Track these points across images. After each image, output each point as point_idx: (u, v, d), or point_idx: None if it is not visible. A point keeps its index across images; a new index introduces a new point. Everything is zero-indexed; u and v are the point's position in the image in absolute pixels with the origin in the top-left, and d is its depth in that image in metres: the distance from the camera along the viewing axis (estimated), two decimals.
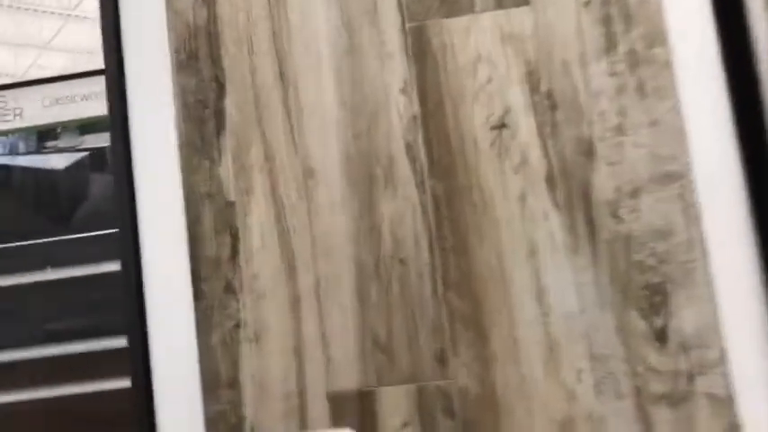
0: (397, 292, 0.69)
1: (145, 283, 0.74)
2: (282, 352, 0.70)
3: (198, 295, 0.72)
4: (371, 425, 0.68)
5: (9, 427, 1.39)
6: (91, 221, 1.41)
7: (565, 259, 0.68)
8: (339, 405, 0.69)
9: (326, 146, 0.72)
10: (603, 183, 0.68)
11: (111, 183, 1.43)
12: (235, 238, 0.72)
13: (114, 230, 1.40)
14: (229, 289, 0.71)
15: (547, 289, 0.67)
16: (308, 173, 0.72)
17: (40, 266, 1.40)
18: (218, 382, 0.70)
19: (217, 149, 0.74)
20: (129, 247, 0.77)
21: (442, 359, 0.68)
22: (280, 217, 0.72)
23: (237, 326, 0.71)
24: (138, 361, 0.73)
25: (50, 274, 1.39)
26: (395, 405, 0.68)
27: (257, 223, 0.72)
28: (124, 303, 0.75)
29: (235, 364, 0.70)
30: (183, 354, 0.72)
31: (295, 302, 0.71)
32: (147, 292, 0.74)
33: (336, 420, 0.68)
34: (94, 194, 1.39)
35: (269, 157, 0.73)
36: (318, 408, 0.69)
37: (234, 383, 0.70)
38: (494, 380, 0.67)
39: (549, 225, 0.68)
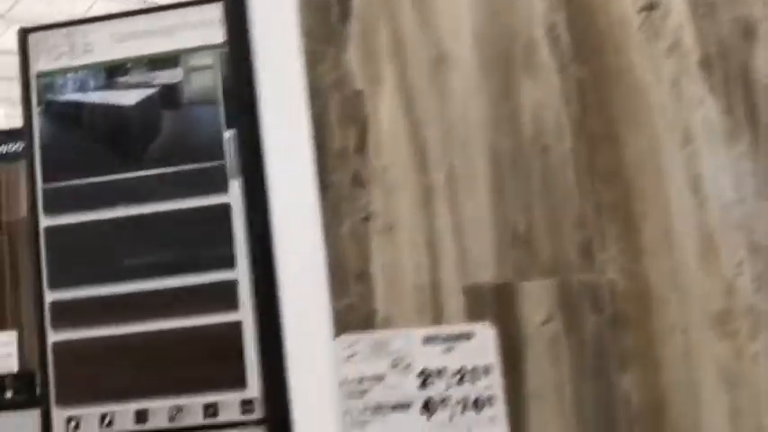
0: (538, 181, 0.66)
1: (269, 181, 0.71)
2: (415, 245, 0.67)
3: (324, 187, 0.69)
4: (511, 320, 0.64)
5: (105, 361, 1.37)
6: (162, 158, 1.39)
7: (722, 146, 0.63)
8: (476, 299, 0.65)
9: (459, 28, 0.68)
10: (765, 66, 0.63)
11: (182, 119, 1.40)
12: (362, 128, 0.69)
13: (190, 166, 1.38)
14: (357, 181, 0.68)
15: (702, 177, 0.63)
16: (440, 58, 0.69)
17: (112, 203, 1.38)
18: (347, 276, 0.67)
19: (342, 36, 0.71)
20: (249, 146, 0.73)
21: (587, 252, 0.64)
22: (410, 105, 0.68)
23: (367, 218, 0.68)
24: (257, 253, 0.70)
25: (122, 211, 1.37)
26: (536, 300, 0.64)
27: (386, 112, 0.69)
28: (250, 201, 0.72)
29: (365, 257, 0.67)
30: (309, 247, 0.69)
31: (427, 194, 0.67)
32: (270, 188, 0.71)
33: (473, 315, 0.65)
34: (166, 131, 1.37)
35: (397, 43, 0.69)
36: (454, 302, 0.65)
37: (364, 277, 0.67)
38: (645, 272, 0.63)
39: (705, 111, 0.64)
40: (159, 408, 1.35)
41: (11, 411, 2.00)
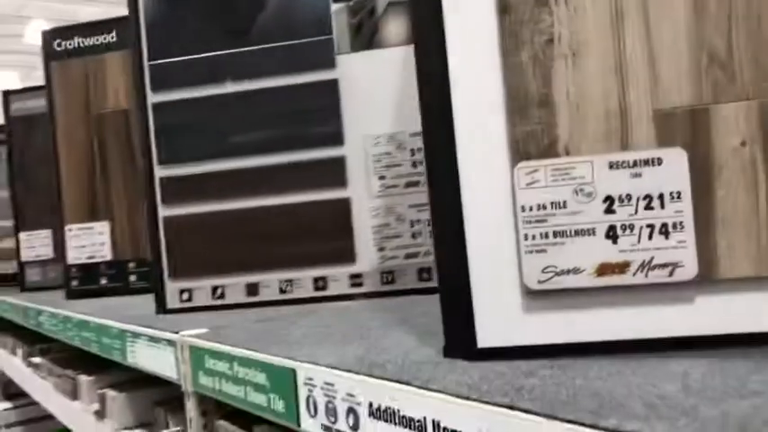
0: (740, 1, 0.62)
1: (442, 5, 0.69)
2: (602, 69, 0.64)
3: (504, 8, 0.66)
4: (704, 144, 0.62)
5: (214, 235, 1.40)
6: (268, 32, 1.37)
7: None
8: (667, 124, 0.63)
9: None
10: None
11: None
12: None
13: (297, 41, 1.35)
14: (541, 1, 0.65)
15: None
16: None
17: (219, 79, 1.38)
18: (528, 101, 0.65)
19: None
20: None
21: None
22: None
23: (551, 41, 0.65)
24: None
25: (229, 87, 1.36)
26: (732, 123, 0.62)
27: None
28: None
29: (547, 82, 0.65)
30: (487, 72, 0.67)
31: (617, 15, 0.64)
32: (445, 11, 0.68)
33: (664, 140, 0.63)
34: (271, 4, 1.34)
35: None
36: (643, 127, 0.63)
37: (546, 102, 0.65)
38: None
39: None
40: (269, 280, 1.38)
41: (105, 298, 2.09)
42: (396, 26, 1.34)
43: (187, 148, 1.41)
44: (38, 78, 2.73)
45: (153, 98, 1.42)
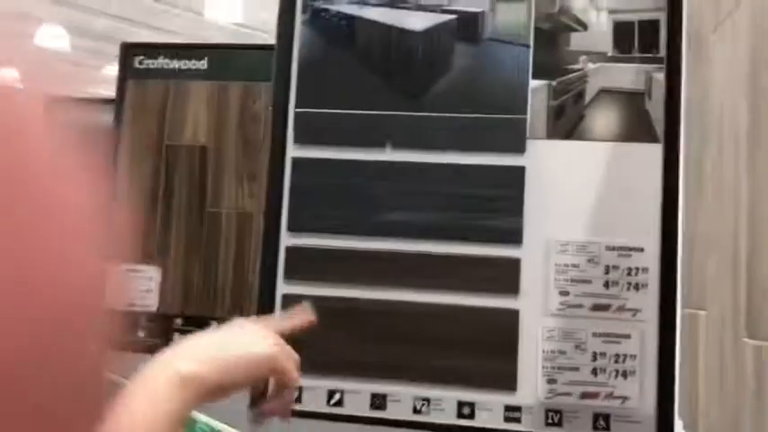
0: None
1: None
2: None
3: None
4: None
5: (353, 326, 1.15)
6: (450, 100, 1.15)
7: None
8: None
9: None
10: None
11: (481, 57, 1.16)
12: None
13: (483, 115, 1.14)
14: None
15: None
16: None
17: (379, 143, 1.15)
18: None
19: None
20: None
21: None
22: None
23: None
24: None
25: (389, 154, 1.14)
26: None
27: None
28: None
29: None
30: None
31: None
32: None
33: None
34: (458, 68, 1.13)
35: None
36: None
37: None
38: None
39: None
40: (401, 394, 1.12)
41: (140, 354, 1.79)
42: (606, 117, 1.13)
43: (326, 217, 1.17)
44: None
45: (294, 152, 1.19)
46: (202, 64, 1.93)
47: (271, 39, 1.28)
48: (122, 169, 1.93)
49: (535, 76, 1.14)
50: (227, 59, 1.92)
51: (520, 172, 1.13)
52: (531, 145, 1.13)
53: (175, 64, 1.95)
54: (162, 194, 1.89)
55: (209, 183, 1.87)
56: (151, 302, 1.86)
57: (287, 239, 1.17)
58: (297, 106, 1.19)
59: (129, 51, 1.99)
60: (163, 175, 1.91)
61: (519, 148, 1.13)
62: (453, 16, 1.17)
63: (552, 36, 1.15)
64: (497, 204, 1.13)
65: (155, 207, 1.90)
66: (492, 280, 1.12)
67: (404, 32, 1.18)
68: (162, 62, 1.96)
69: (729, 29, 0.83)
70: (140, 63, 1.97)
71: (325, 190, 1.17)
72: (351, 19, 1.20)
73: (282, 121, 1.20)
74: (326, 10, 1.21)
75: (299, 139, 1.18)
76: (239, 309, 1.83)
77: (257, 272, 1.20)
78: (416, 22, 1.18)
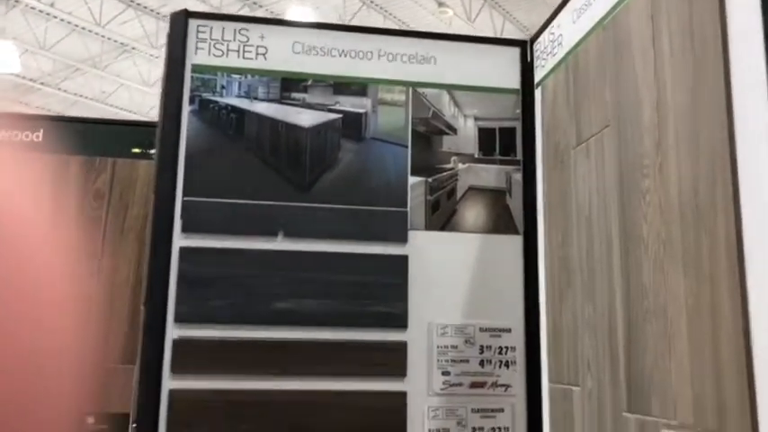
0: None
1: None
2: None
3: None
4: None
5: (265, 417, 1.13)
6: (338, 192, 1.24)
7: None
8: None
9: None
10: None
11: (364, 154, 1.26)
12: None
13: (367, 207, 1.23)
14: None
15: None
16: None
17: (271, 232, 1.20)
18: None
19: None
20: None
21: None
22: None
23: None
24: None
25: (279, 243, 1.19)
26: None
27: None
28: None
29: None
30: None
31: None
32: None
33: None
34: (344, 163, 1.23)
35: None
36: None
37: None
38: None
39: None
40: None
41: None
42: (475, 211, 1.27)
43: (215, 307, 1.16)
44: None
45: (181, 241, 1.17)
46: (37, 136, 1.80)
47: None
48: None
49: (413, 173, 1.26)
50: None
51: (403, 260, 1.22)
52: (412, 235, 1.24)
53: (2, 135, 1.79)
54: None
55: None
56: None
57: (174, 331, 1.14)
58: (185, 194, 1.18)
59: None
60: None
61: (402, 238, 1.23)
62: (338, 115, 1.26)
63: (427, 138, 1.28)
64: (385, 291, 1.21)
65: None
66: (382, 364, 1.18)
67: (292, 127, 1.24)
68: None
69: (593, 147, 1.01)
70: None
71: (215, 280, 1.16)
72: (240, 112, 1.23)
73: (168, 210, 1.18)
74: (215, 102, 1.23)
75: (188, 228, 1.17)
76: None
77: (137, 367, 1.14)
78: (304, 118, 1.25)
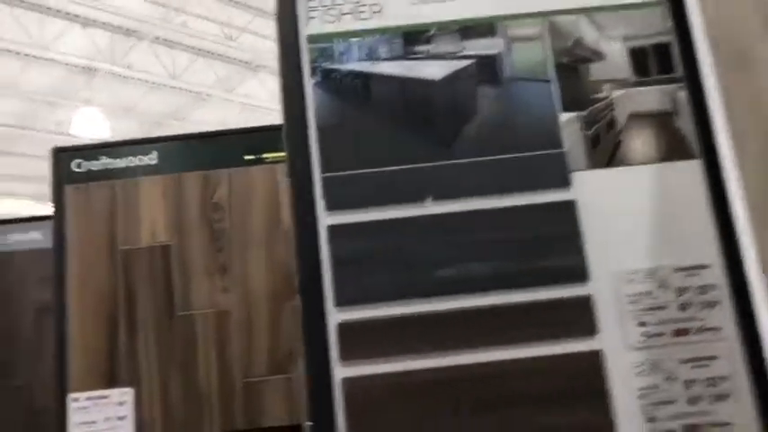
0: None
1: None
2: None
3: None
4: None
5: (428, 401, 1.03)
6: (482, 144, 1.11)
7: None
8: None
9: None
10: None
11: (504, 98, 1.14)
12: None
13: (518, 154, 1.10)
14: None
15: None
16: None
17: (418, 197, 1.09)
18: None
19: None
20: None
21: None
22: None
23: None
24: None
25: (430, 208, 1.07)
26: None
27: None
28: None
29: None
30: None
31: None
32: None
33: None
34: (484, 111, 1.10)
35: None
36: None
37: None
38: None
39: None
40: None
41: None
42: (641, 140, 1.12)
43: (375, 285, 1.06)
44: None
45: (328, 219, 1.08)
46: (150, 158, 1.78)
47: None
48: (73, 285, 1.71)
49: (564, 109, 1.12)
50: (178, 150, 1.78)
51: (570, 206, 1.09)
52: (576, 177, 1.10)
53: (119, 162, 1.79)
54: (123, 306, 1.68)
55: (176, 284, 1.69)
56: (128, 429, 1.61)
57: (336, 316, 1.05)
58: (323, 171, 1.10)
59: (61, 155, 1.81)
60: (122, 284, 1.70)
61: (563, 182, 1.10)
62: (470, 61, 1.14)
63: (572, 69, 1.14)
64: (555, 243, 1.07)
65: (116, 321, 1.68)
66: (566, 323, 1.05)
67: (422, 82, 1.13)
68: (104, 162, 1.79)
69: None
70: (78, 167, 1.79)
71: (370, 256, 1.07)
72: (365, 76, 1.14)
73: (307, 190, 1.09)
74: (337, 70, 1.14)
75: (332, 206, 1.08)
76: (229, 417, 1.63)
77: (303, 359, 1.06)
78: (434, 71, 1.14)
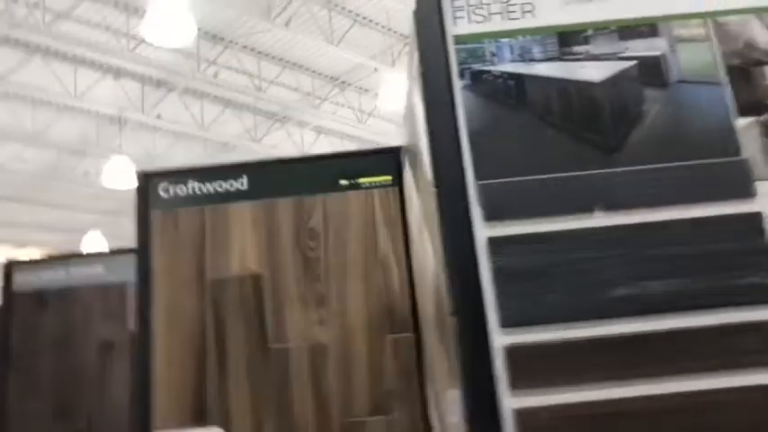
0: None
1: None
2: None
3: None
4: None
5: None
6: (651, 150, 1.01)
7: None
8: None
9: None
10: None
11: (672, 101, 1.04)
12: None
13: (692, 162, 1.00)
14: None
15: None
16: None
17: (586, 207, 0.98)
18: None
19: None
20: None
21: None
22: None
23: None
24: None
25: (601, 219, 0.96)
26: None
27: None
28: None
29: None
30: None
31: None
32: None
33: None
34: (652, 115, 1.00)
35: None
36: None
37: None
38: None
39: None
40: None
41: None
42: None
43: (545, 304, 0.94)
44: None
45: (487, 231, 0.98)
46: (241, 184, 1.70)
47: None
48: (159, 319, 1.60)
49: (740, 114, 1.02)
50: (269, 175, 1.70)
51: (757, 217, 0.97)
52: (761, 186, 0.99)
53: (208, 187, 1.70)
54: (213, 340, 1.57)
55: (268, 315, 1.58)
56: None
57: (501, 339, 0.93)
58: (479, 178, 1.00)
59: (147, 179, 1.73)
60: (211, 317, 1.60)
61: (747, 192, 0.99)
62: (632, 62, 1.05)
63: (745, 71, 1.05)
64: (743, 259, 0.96)
65: (203, 355, 1.57)
66: (756, 351, 0.92)
67: (582, 84, 1.04)
68: (192, 187, 1.71)
69: None
70: (165, 191, 1.71)
71: (539, 271, 0.95)
72: (519, 78, 1.05)
73: (460, 200, 0.99)
74: (488, 72, 1.05)
75: (492, 216, 0.98)
76: None
77: (464, 388, 0.94)
78: (593, 72, 1.05)
